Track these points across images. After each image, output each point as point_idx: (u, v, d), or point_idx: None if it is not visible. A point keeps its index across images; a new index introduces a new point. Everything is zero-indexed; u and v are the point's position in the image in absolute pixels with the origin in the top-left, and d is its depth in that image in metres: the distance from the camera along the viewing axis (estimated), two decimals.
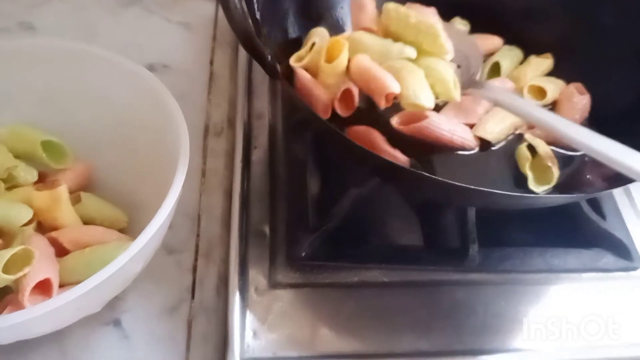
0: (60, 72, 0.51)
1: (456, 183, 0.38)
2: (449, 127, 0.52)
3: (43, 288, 0.42)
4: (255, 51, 0.44)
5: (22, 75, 0.50)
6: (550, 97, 0.57)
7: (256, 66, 0.62)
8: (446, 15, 0.58)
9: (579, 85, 0.56)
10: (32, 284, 0.41)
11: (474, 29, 0.62)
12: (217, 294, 0.50)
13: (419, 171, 0.41)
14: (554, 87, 0.57)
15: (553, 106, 0.58)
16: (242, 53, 0.65)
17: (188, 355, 0.46)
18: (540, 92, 0.57)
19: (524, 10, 0.59)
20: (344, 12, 0.60)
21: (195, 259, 0.51)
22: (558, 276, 0.50)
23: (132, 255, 0.38)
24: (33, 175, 0.50)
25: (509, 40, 0.61)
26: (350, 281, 0.48)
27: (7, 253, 0.40)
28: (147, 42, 0.68)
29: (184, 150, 0.44)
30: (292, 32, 0.57)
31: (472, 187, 0.38)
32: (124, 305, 0.47)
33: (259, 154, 0.55)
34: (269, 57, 0.46)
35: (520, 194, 0.46)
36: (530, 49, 0.60)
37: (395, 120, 0.52)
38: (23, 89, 0.51)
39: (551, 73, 0.60)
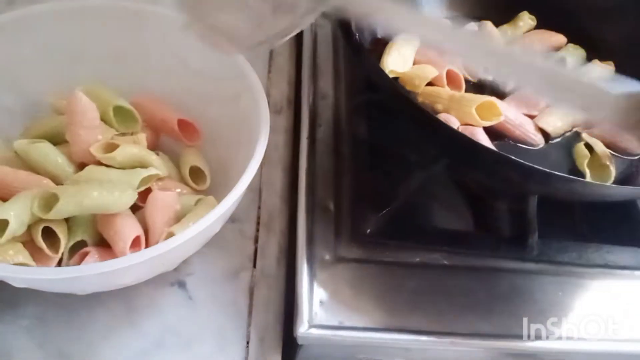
0: (136, 32, 0.51)
1: (540, 168, 0.39)
2: (514, 120, 0.53)
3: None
4: (345, 26, 0.45)
5: (96, 34, 0.51)
6: None
7: (320, 48, 0.64)
8: (514, 10, 0.60)
9: None
10: (130, 240, 0.42)
11: (540, 25, 0.64)
12: (278, 263, 0.51)
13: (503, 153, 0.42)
14: None
15: None
16: (307, 35, 0.65)
17: (250, 320, 0.46)
18: None
19: (592, 9, 0.60)
20: None
21: (257, 229, 0.52)
22: (613, 272, 0.51)
23: (222, 213, 0.39)
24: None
25: (572, 40, 0.62)
26: (411, 261, 0.49)
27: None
28: None
29: (265, 122, 0.44)
30: None
31: (556, 173, 0.39)
32: (189, 268, 0.48)
33: (323, 132, 0.56)
34: (357, 34, 0.47)
35: (611, 185, 0.47)
36: (592, 53, 0.61)
37: None
38: (96, 48, 0.51)
39: None
